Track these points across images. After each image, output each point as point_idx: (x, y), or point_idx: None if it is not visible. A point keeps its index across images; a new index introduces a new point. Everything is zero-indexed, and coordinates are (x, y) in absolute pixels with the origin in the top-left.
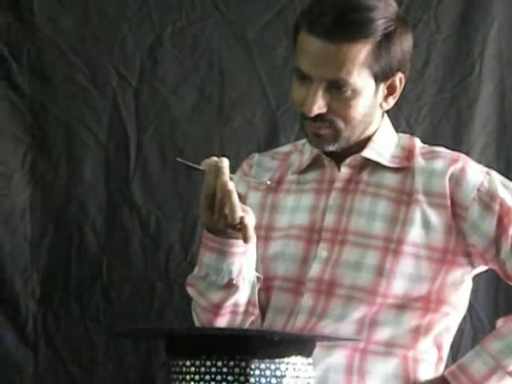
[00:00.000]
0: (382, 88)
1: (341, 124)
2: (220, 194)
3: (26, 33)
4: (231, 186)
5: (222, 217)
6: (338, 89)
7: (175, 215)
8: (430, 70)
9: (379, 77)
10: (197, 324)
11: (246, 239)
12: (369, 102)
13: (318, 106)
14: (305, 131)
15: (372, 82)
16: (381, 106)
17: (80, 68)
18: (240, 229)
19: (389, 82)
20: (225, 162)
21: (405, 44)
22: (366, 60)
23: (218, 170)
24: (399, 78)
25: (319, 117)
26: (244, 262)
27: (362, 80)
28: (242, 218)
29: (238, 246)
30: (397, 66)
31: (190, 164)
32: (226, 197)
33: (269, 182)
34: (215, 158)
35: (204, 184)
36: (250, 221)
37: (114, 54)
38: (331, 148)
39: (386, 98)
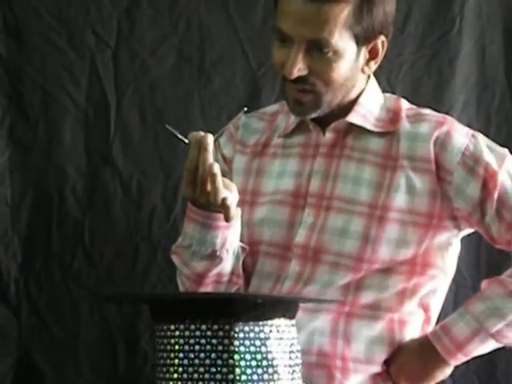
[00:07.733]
0: (364, 52)
1: (322, 87)
2: (202, 170)
3: None
4: (216, 168)
5: (203, 193)
6: (319, 50)
7: (157, 177)
8: (410, 27)
9: (361, 39)
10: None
11: (227, 219)
12: (350, 65)
13: (299, 68)
14: (286, 97)
15: (353, 45)
16: (362, 70)
17: (57, 29)
18: (222, 208)
19: (371, 46)
20: (209, 139)
21: (387, 6)
22: (348, 21)
23: (201, 146)
24: (381, 42)
25: (300, 79)
26: (228, 235)
27: (343, 41)
28: (223, 200)
29: (222, 219)
30: (379, 28)
31: (177, 134)
32: (208, 177)
33: None
34: (201, 133)
35: (188, 158)
36: (233, 201)
37: (90, 15)
38: (313, 115)
39: (367, 62)
